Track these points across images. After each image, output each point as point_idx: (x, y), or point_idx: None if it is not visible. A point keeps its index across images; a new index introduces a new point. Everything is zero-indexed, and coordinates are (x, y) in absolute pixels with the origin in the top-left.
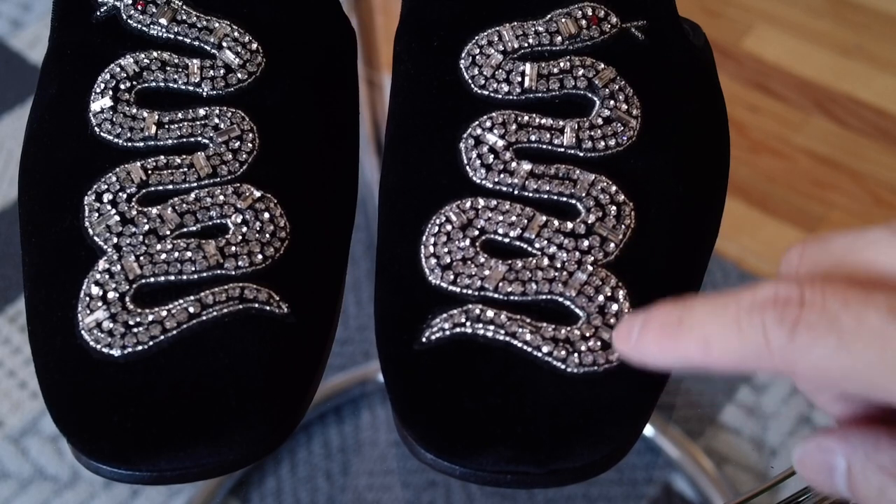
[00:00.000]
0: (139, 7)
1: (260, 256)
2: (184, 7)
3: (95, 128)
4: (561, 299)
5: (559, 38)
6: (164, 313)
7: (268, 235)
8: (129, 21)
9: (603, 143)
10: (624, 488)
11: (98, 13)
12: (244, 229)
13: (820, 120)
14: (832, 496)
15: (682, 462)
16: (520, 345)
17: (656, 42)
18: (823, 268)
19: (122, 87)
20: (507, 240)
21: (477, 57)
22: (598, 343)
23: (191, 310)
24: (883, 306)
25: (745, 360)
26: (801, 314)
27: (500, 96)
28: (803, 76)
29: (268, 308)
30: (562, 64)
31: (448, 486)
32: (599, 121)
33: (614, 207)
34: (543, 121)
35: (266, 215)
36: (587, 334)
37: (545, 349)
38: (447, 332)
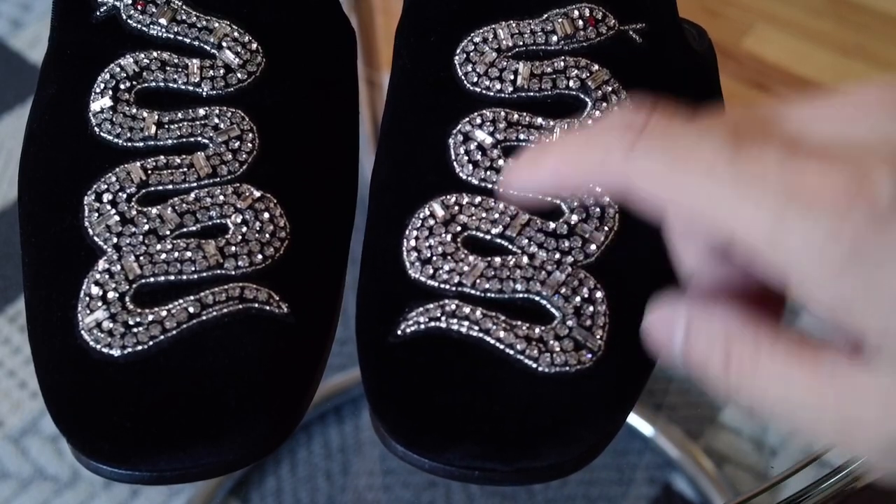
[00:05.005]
0: (139, 7)
1: (260, 256)
2: (184, 7)
3: (95, 128)
4: (538, 298)
5: (554, 38)
6: (164, 313)
7: (268, 235)
8: (128, 21)
9: None
10: (624, 488)
11: (98, 13)
12: (244, 229)
13: None
14: (675, 366)
15: (682, 462)
16: (493, 342)
17: (654, 45)
18: None
19: (122, 87)
20: (488, 237)
21: (471, 54)
22: (572, 344)
23: (191, 310)
24: (719, 138)
25: (586, 173)
26: (644, 133)
27: (492, 94)
28: (803, 76)
29: (268, 308)
30: (555, 64)
31: (448, 486)
32: (590, 122)
33: (598, 209)
34: (534, 120)
35: (266, 215)
36: (561, 334)
37: (518, 347)
38: (422, 326)
